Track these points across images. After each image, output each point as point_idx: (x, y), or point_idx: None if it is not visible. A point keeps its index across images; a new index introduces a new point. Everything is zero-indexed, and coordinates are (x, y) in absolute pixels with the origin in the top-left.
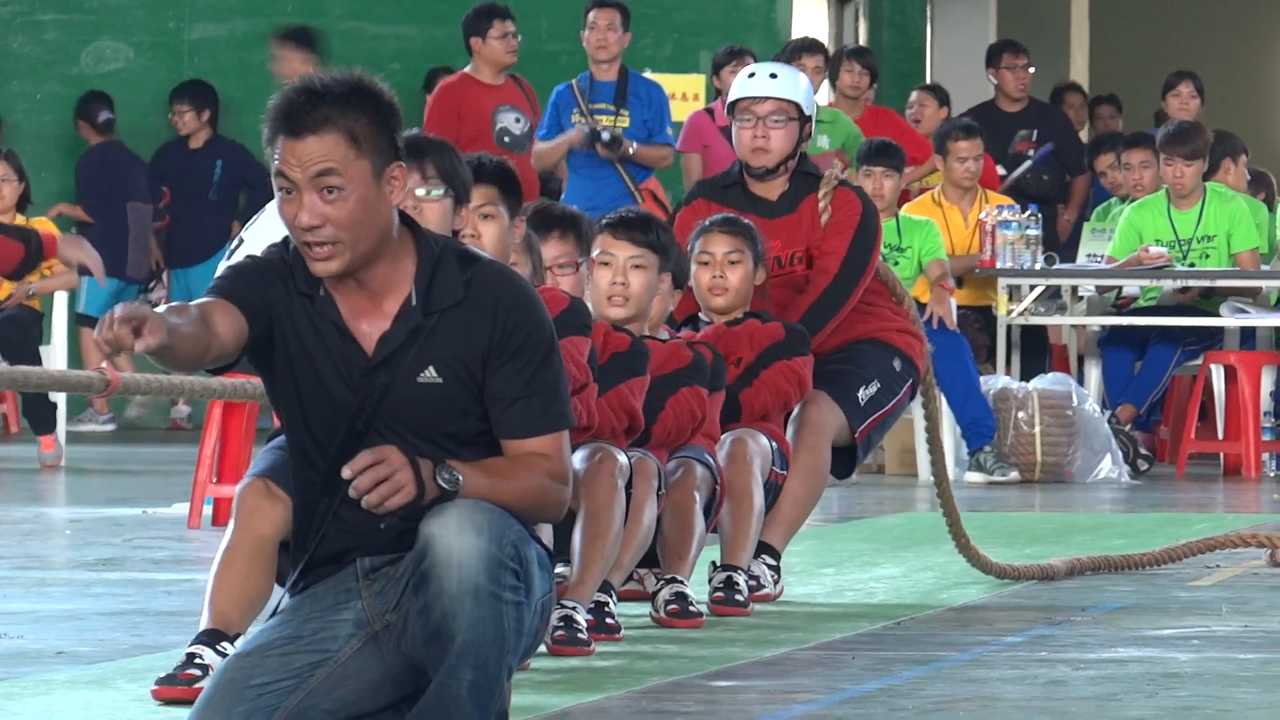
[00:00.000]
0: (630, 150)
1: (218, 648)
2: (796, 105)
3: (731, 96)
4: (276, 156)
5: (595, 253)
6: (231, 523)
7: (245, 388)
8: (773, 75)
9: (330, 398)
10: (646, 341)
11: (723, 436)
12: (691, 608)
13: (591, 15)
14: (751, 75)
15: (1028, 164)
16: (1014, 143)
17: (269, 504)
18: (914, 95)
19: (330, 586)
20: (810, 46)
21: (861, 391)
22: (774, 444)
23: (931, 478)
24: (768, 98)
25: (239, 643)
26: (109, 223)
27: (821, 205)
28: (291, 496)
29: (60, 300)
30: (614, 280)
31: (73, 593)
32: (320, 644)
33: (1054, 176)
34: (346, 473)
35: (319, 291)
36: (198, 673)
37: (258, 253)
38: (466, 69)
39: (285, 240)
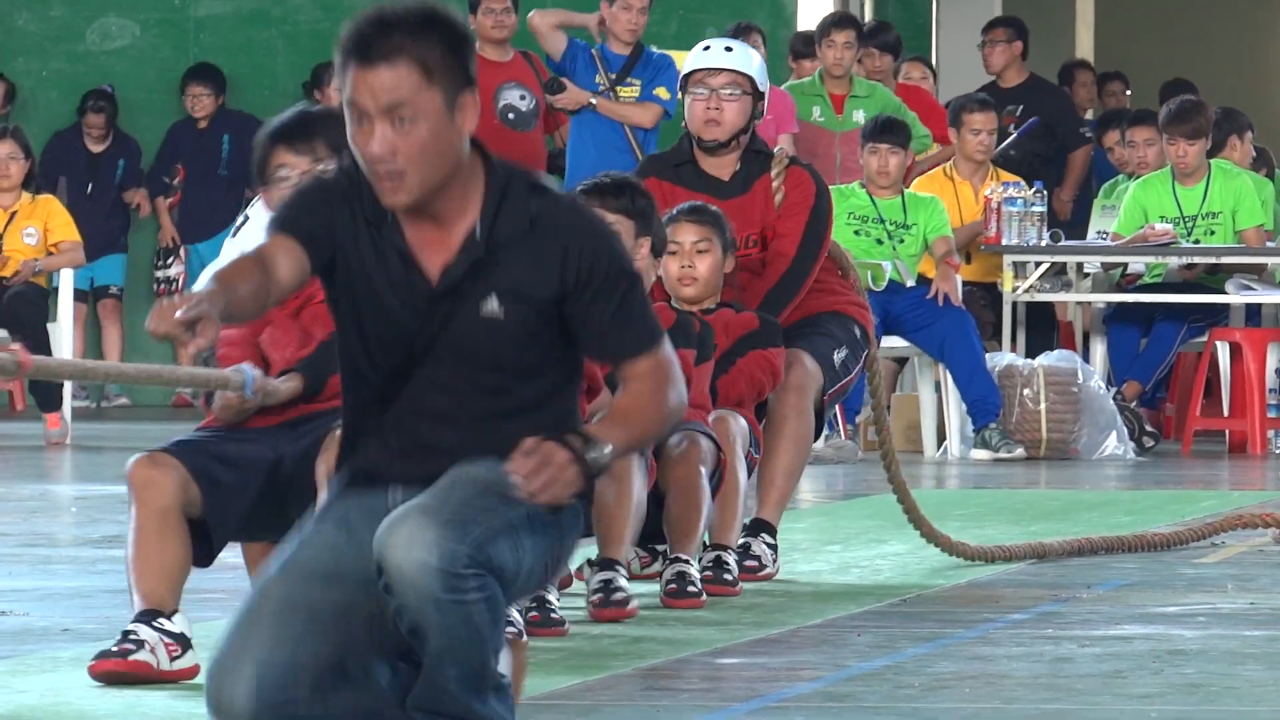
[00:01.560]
0: (583, 98)
1: (154, 624)
2: (750, 79)
3: (685, 69)
4: (348, 85)
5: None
6: (131, 505)
7: (161, 374)
8: (728, 49)
9: (391, 323)
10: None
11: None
12: (690, 588)
13: None
14: (706, 48)
15: (1011, 138)
16: (1000, 117)
17: (160, 474)
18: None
19: (363, 513)
20: (840, 21)
21: (835, 354)
22: (750, 429)
23: (938, 455)
24: (722, 69)
25: (273, 557)
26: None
27: (775, 185)
28: (344, 402)
29: (67, 277)
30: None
31: (78, 570)
32: (349, 584)
33: (1042, 149)
34: (516, 479)
35: (386, 218)
36: (132, 647)
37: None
38: None
39: (350, 163)
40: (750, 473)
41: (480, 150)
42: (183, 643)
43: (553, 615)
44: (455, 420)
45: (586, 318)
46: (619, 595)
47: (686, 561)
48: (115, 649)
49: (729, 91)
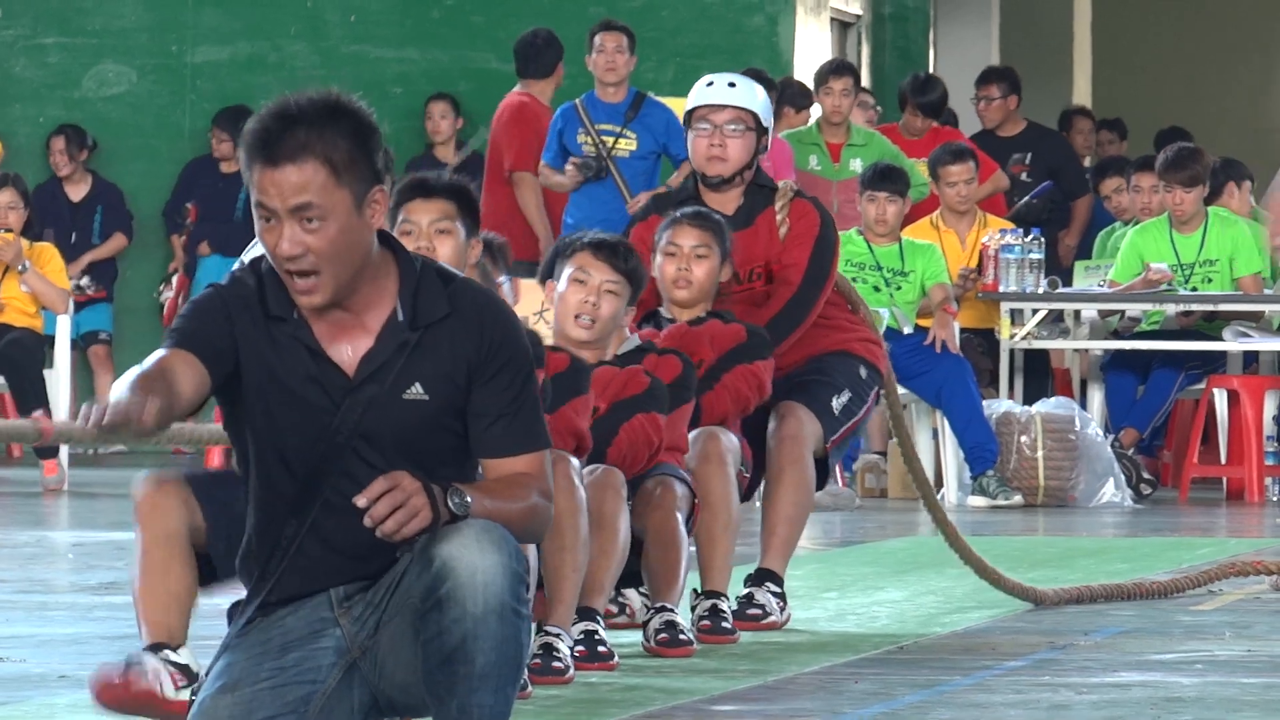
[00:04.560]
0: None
1: (160, 656)
2: (754, 115)
3: (689, 105)
4: (255, 184)
5: (569, 270)
6: (137, 529)
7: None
8: (731, 84)
9: (306, 420)
10: (602, 368)
11: (691, 435)
12: (682, 635)
13: (599, 39)
14: (710, 84)
15: (1026, 198)
16: (1008, 166)
17: (166, 499)
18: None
19: (301, 616)
20: (839, 69)
21: (835, 401)
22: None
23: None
24: (726, 106)
25: (207, 675)
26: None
27: (779, 218)
28: (251, 524)
29: (64, 324)
30: (586, 299)
31: (75, 617)
32: (306, 675)
33: (1060, 199)
34: (361, 501)
35: (292, 314)
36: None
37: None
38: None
39: (254, 262)
40: (743, 495)
41: (387, 240)
42: (188, 675)
43: (555, 664)
44: None
45: (482, 397)
46: (601, 649)
47: (673, 610)
48: (119, 679)
49: (733, 128)
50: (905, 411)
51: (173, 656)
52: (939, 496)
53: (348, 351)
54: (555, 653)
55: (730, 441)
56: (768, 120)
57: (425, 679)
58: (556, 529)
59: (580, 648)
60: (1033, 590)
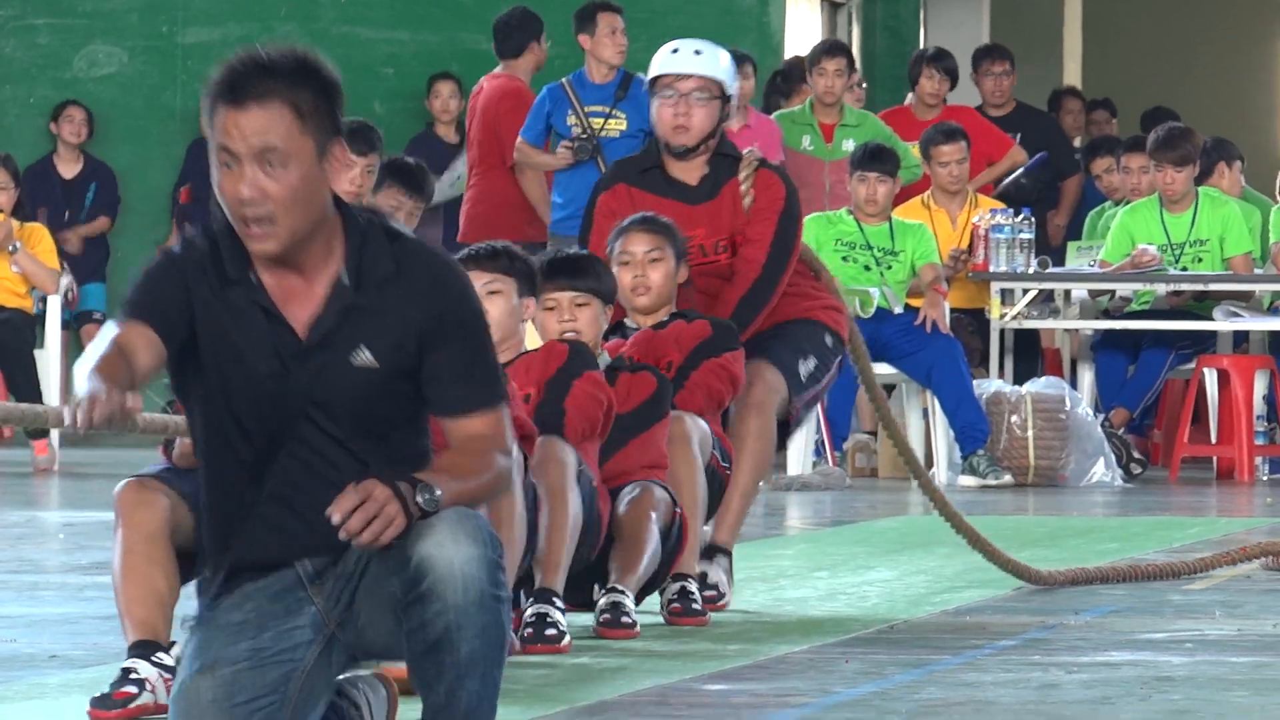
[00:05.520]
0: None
1: (153, 659)
2: (719, 83)
3: (653, 72)
4: (218, 127)
5: (541, 296)
6: (118, 528)
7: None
8: (697, 51)
9: (261, 386)
10: (525, 355)
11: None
12: (625, 618)
13: (606, 20)
14: (675, 51)
15: (1019, 171)
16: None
17: (150, 496)
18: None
19: (272, 594)
20: (831, 49)
21: (801, 366)
22: (714, 436)
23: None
24: (691, 74)
25: (183, 654)
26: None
27: (743, 188)
28: (206, 495)
29: (54, 305)
30: (562, 320)
31: (66, 597)
32: (284, 654)
33: (1040, 182)
34: (335, 517)
35: (247, 277)
36: (134, 690)
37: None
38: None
39: (204, 228)
40: (718, 484)
41: (337, 200)
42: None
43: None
44: (337, 481)
45: (436, 359)
46: (551, 631)
47: (623, 592)
48: (115, 697)
49: (698, 96)
50: (895, 391)
51: (165, 659)
52: (929, 476)
53: (301, 314)
54: (549, 620)
55: (696, 425)
56: (732, 88)
57: (411, 666)
58: (552, 502)
59: (529, 628)
60: (1029, 570)
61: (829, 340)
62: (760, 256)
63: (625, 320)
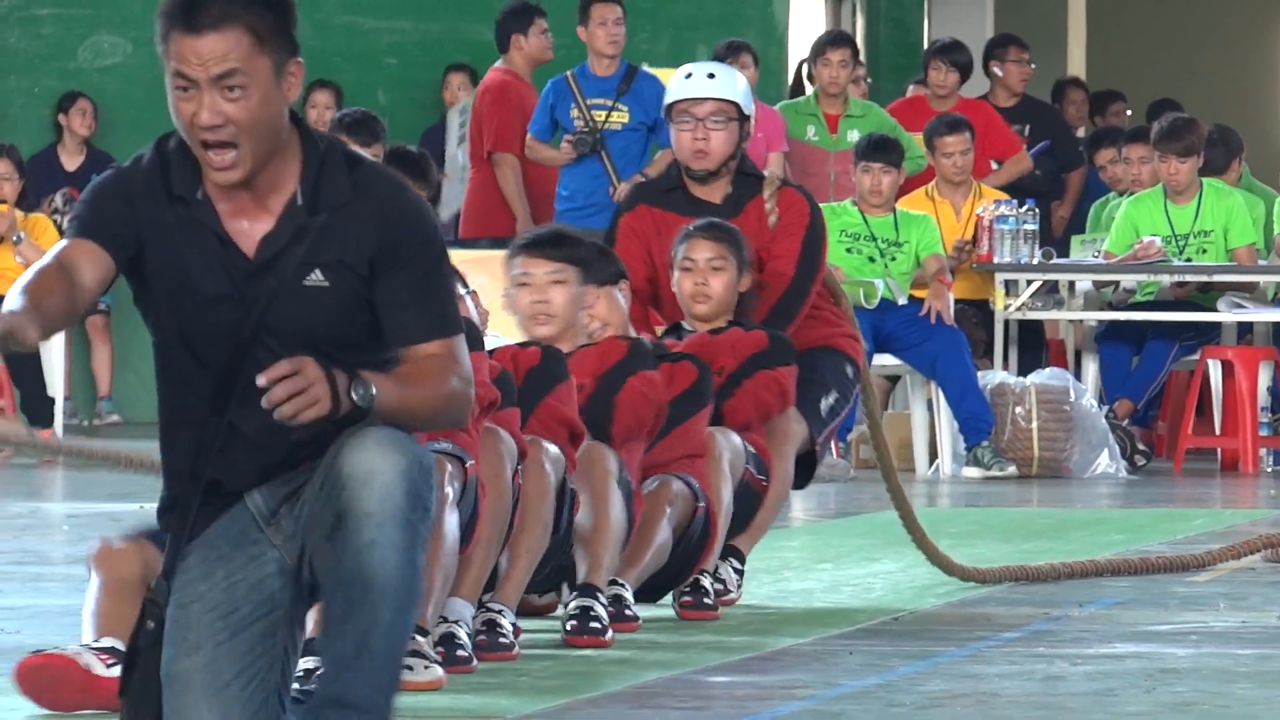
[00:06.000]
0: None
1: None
2: (736, 105)
3: (669, 98)
4: (174, 54)
5: (513, 274)
6: (91, 575)
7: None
8: (710, 75)
9: (212, 308)
10: (583, 348)
11: None
12: (626, 612)
13: (598, 11)
14: (689, 76)
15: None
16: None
17: (122, 551)
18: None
19: (231, 539)
20: (835, 40)
21: (823, 402)
22: (752, 450)
23: (930, 473)
24: (707, 99)
25: (167, 633)
26: None
27: (768, 207)
28: (163, 420)
29: None
30: (535, 300)
31: (70, 588)
32: (261, 609)
33: (1046, 172)
34: (262, 380)
35: (196, 195)
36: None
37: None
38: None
39: (159, 140)
40: (753, 497)
41: (295, 119)
42: (115, 654)
43: (501, 640)
44: None
45: (390, 285)
46: (595, 624)
47: (623, 585)
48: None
49: (715, 120)
50: (899, 383)
51: (95, 644)
52: (933, 468)
53: (249, 233)
54: (499, 628)
55: (729, 441)
56: (749, 108)
57: (330, 593)
58: (522, 511)
59: (573, 620)
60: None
61: (849, 371)
62: (789, 270)
63: (683, 323)
